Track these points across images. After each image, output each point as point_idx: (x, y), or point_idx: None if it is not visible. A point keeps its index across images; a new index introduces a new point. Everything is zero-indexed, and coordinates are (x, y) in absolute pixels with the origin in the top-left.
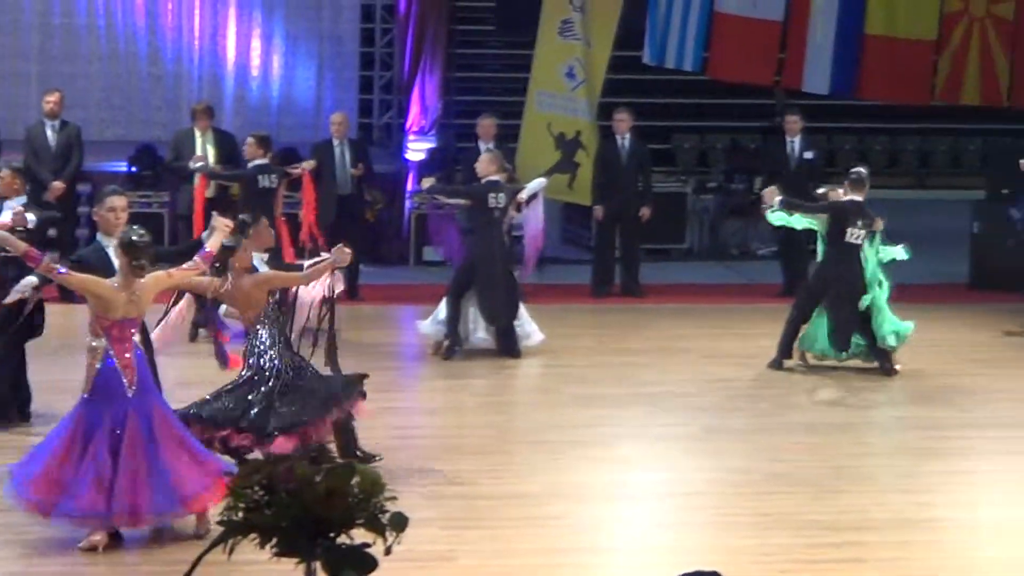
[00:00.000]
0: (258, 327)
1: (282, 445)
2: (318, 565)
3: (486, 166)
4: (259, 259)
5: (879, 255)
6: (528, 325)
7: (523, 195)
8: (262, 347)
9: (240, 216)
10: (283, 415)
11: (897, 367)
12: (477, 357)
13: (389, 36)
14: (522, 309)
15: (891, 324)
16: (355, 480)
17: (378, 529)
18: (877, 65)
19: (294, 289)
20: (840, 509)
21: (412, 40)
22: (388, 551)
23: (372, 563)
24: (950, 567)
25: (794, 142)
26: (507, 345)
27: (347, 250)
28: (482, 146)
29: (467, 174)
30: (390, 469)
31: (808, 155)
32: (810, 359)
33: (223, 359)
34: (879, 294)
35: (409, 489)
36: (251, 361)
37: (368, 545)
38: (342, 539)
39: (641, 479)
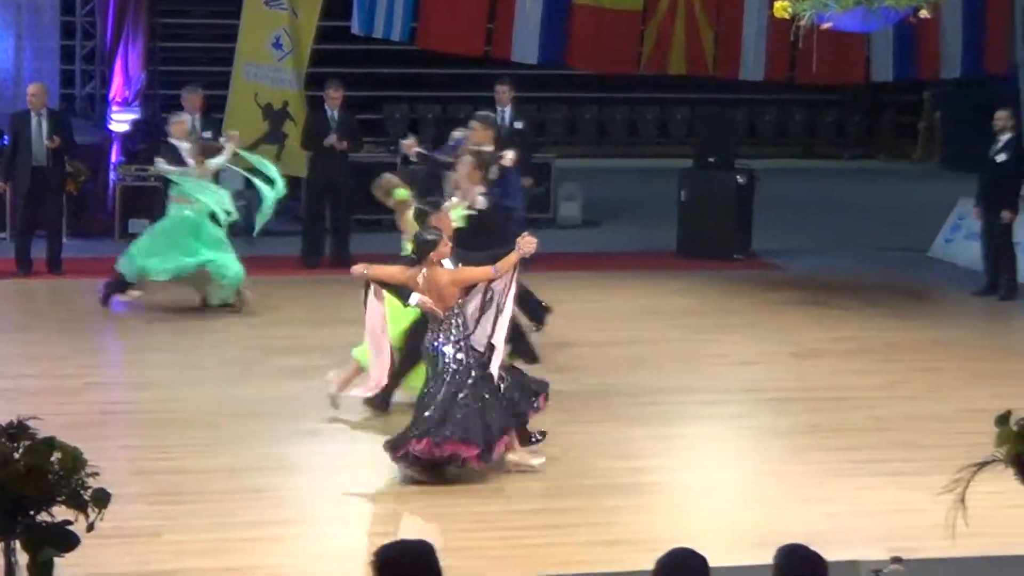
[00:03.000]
0: (450, 321)
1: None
2: (18, 544)
3: None
4: None
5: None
6: None
7: None
8: (441, 345)
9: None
10: (458, 422)
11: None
12: (178, 331)
13: (91, 5)
14: None
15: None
16: (55, 456)
17: (80, 506)
18: (585, 35)
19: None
20: (550, 476)
21: (114, 9)
22: (91, 528)
23: (74, 540)
24: (657, 528)
25: (504, 112)
26: None
27: (531, 239)
28: (187, 118)
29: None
30: (93, 445)
31: (518, 124)
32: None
33: None
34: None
35: (113, 464)
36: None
37: (70, 522)
38: (43, 517)
39: (350, 449)
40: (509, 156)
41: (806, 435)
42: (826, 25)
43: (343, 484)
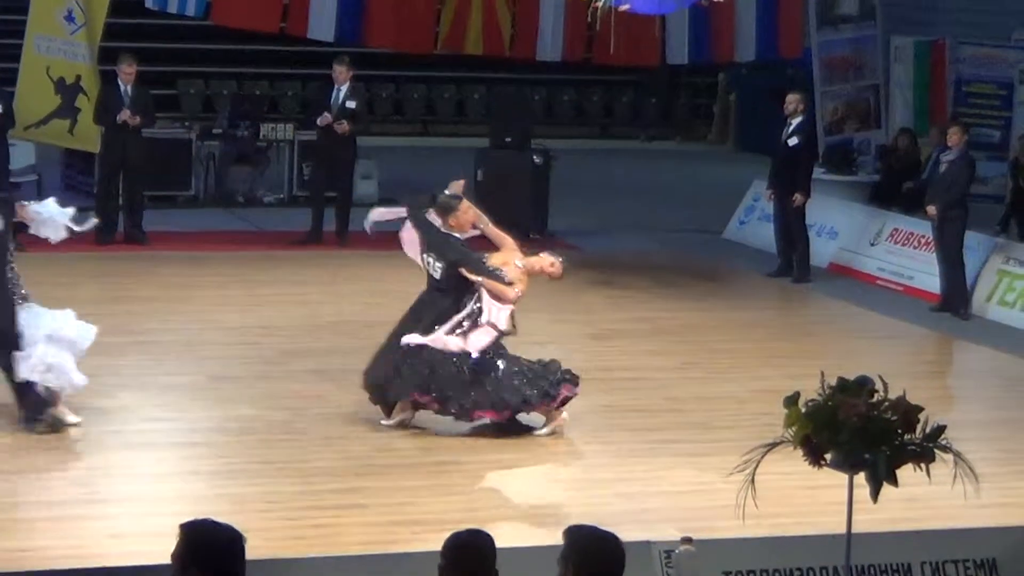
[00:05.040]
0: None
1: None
2: None
3: None
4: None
5: None
6: None
7: None
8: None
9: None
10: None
11: None
12: None
13: None
14: None
15: None
16: None
17: None
18: (382, 13)
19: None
20: (343, 455)
21: None
22: None
23: None
24: (451, 508)
25: (340, 90)
26: None
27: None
28: None
29: None
30: None
31: (350, 104)
32: None
33: None
34: None
35: None
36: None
37: None
38: None
39: (143, 428)
40: None
41: (601, 415)
42: (623, 7)
43: (138, 464)
